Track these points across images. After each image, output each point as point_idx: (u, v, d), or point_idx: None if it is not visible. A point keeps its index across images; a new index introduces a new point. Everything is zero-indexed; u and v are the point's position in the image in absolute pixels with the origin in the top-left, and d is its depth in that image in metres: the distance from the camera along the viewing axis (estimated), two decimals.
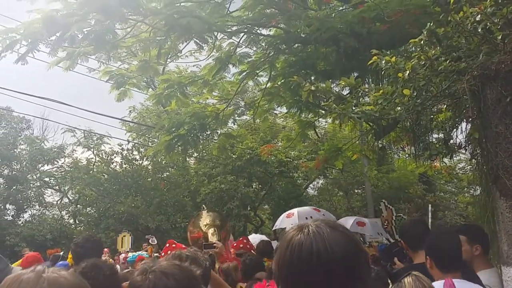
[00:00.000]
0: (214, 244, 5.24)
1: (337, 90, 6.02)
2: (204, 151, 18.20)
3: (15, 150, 23.66)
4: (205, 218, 6.10)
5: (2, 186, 22.83)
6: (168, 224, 18.66)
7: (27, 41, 6.35)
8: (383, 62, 4.10)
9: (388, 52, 4.57)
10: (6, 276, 2.89)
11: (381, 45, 5.06)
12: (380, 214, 18.67)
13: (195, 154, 19.00)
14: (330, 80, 6.81)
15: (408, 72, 3.94)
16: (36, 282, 1.21)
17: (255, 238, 8.63)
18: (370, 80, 7.77)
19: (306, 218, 8.62)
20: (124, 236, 14.89)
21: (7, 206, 23.08)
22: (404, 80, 3.98)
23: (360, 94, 5.74)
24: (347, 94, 6.17)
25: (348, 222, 9.22)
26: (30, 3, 6.23)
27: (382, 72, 4.49)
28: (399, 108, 4.30)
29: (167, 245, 4.87)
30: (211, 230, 5.70)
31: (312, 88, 4.33)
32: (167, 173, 21.28)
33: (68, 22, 5.91)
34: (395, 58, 4.12)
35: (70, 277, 1.28)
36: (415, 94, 4.19)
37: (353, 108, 4.11)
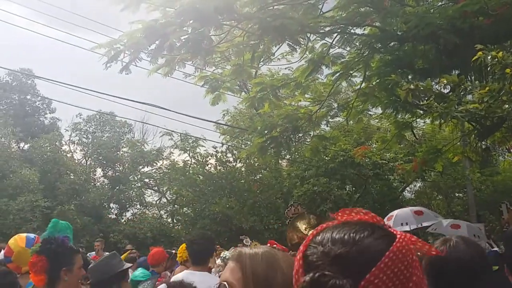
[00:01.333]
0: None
1: (437, 89, 5.72)
2: (296, 153, 18.20)
3: (118, 152, 25.27)
4: (302, 223, 6.08)
5: (106, 186, 24.46)
6: (262, 225, 18.88)
7: (129, 51, 6.75)
8: (489, 57, 3.84)
9: (493, 47, 4.28)
10: (119, 269, 3.11)
11: (485, 41, 4.75)
12: (482, 219, 17.60)
13: (288, 156, 19.06)
14: (430, 79, 6.50)
15: None
16: None
17: None
18: (473, 78, 7.33)
19: (402, 224, 8.25)
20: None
21: (111, 205, 24.73)
22: None
23: (463, 93, 5.42)
24: (448, 92, 5.85)
25: (442, 224, 8.69)
26: (132, 13, 6.61)
27: (488, 69, 4.21)
28: (506, 105, 4.00)
29: (268, 245, 4.95)
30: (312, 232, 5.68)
31: (412, 86, 4.16)
32: (260, 175, 21.54)
33: (166, 31, 6.19)
34: (502, 53, 3.84)
35: None
36: None
37: (456, 106, 3.87)
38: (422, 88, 4.15)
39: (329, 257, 0.90)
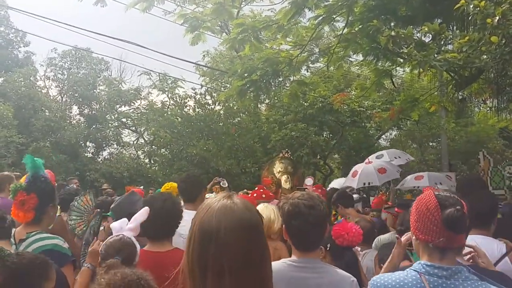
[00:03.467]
0: (306, 188, 5.40)
1: (418, 37, 5.69)
2: (275, 98, 18.16)
3: (95, 90, 24.83)
4: (278, 166, 6.23)
5: (82, 124, 24.20)
6: (238, 168, 19.07)
7: None
8: (471, 6, 3.81)
9: None
10: (140, 206, 3.18)
11: None
12: (454, 168, 18.07)
13: (267, 101, 19.03)
14: (412, 27, 6.44)
15: (497, 18, 3.64)
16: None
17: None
18: (455, 27, 7.29)
19: (364, 184, 8.39)
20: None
21: (88, 143, 24.59)
22: (492, 26, 3.68)
23: (443, 42, 5.40)
24: (429, 41, 5.82)
25: (407, 179, 8.89)
26: None
27: (469, 18, 4.18)
28: (485, 56, 4.01)
29: (256, 189, 5.20)
30: (284, 177, 5.84)
31: (392, 33, 4.12)
32: (239, 119, 21.54)
33: None
34: (484, 3, 3.81)
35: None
36: (503, 42, 3.88)
37: (435, 55, 3.87)
38: (403, 35, 4.12)
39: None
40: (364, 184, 8.32)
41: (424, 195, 2.07)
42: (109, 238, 2.85)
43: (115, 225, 2.92)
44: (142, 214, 2.95)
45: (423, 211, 2.01)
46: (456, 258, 2.05)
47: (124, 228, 2.86)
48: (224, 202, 1.42)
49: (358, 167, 8.55)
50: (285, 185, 5.72)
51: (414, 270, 2.02)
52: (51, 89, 25.86)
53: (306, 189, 5.39)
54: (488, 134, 19.08)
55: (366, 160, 8.86)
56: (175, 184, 4.68)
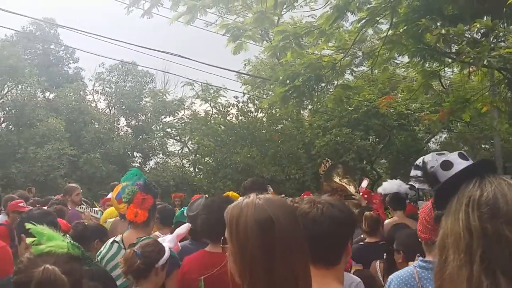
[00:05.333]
0: (353, 196, 5.30)
1: (469, 35, 5.44)
2: (318, 104, 17.97)
3: (140, 102, 25.46)
4: (336, 172, 6.10)
5: (130, 135, 24.80)
6: (283, 175, 18.97)
7: None
8: None
9: None
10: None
11: None
12: (509, 171, 17.29)
13: (310, 107, 18.87)
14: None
15: None
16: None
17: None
18: (505, 24, 6.97)
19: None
20: None
21: (135, 154, 25.19)
22: None
23: (495, 39, 5.15)
24: (480, 38, 5.56)
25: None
26: None
27: None
28: None
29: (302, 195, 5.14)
30: (345, 181, 5.72)
31: (443, 31, 3.93)
32: (282, 125, 21.45)
33: None
34: None
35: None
36: None
37: (489, 52, 3.66)
38: (453, 33, 3.93)
39: None
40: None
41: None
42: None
43: (160, 238, 3.10)
44: (182, 229, 3.13)
45: (425, 213, 2.38)
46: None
47: (165, 239, 3.04)
48: (263, 196, 1.62)
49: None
50: (350, 188, 5.63)
51: (413, 266, 2.45)
52: (100, 102, 26.71)
53: (353, 196, 5.25)
54: None
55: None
56: (236, 194, 4.67)
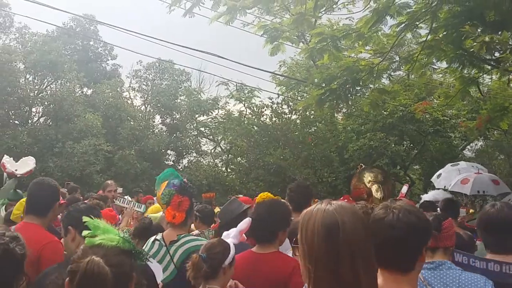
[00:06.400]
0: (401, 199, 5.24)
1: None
2: (353, 107, 17.89)
3: (176, 100, 25.79)
4: (368, 175, 6.05)
5: (164, 133, 25.15)
6: (315, 177, 18.93)
7: None
8: None
9: None
10: (241, 210, 3.46)
11: None
12: None
13: (344, 110, 18.78)
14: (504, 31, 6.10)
15: None
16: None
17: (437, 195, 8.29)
18: None
19: (478, 191, 7.93)
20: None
21: (169, 152, 25.51)
22: None
23: None
24: None
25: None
26: None
27: None
28: None
29: (341, 198, 5.10)
30: (375, 186, 5.66)
31: (486, 39, 3.91)
32: (315, 128, 21.41)
33: None
34: None
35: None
36: None
37: None
38: (497, 41, 3.90)
39: None
40: (478, 192, 7.94)
41: None
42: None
43: (224, 233, 3.19)
44: (244, 223, 3.18)
45: None
46: (445, 256, 2.62)
47: (229, 235, 3.11)
48: (335, 202, 1.71)
49: (468, 175, 8.15)
50: (376, 194, 5.54)
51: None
52: (136, 99, 27.23)
53: (401, 199, 5.18)
54: None
55: (475, 171, 8.48)
56: (270, 195, 4.76)
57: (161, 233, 3.65)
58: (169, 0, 7.43)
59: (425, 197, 8.64)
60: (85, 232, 1.91)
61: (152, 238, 3.64)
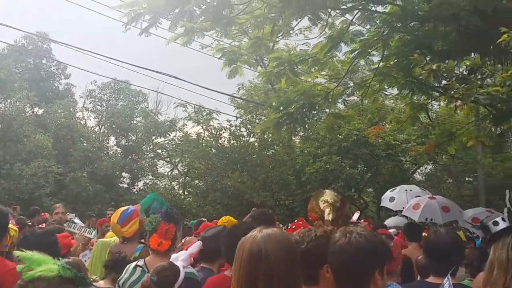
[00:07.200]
0: (359, 223, 5.30)
1: (458, 71, 5.69)
2: (310, 131, 18.22)
3: (132, 122, 25.39)
4: (324, 198, 6.08)
5: (119, 155, 24.67)
6: (273, 200, 19.02)
7: (149, 15, 6.78)
8: None
9: None
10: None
11: (507, 24, 4.69)
12: (491, 205, 17.53)
13: (301, 133, 19.08)
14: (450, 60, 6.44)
15: None
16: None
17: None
18: (492, 61, 7.26)
19: (426, 219, 8.02)
20: None
21: (123, 174, 25.00)
22: None
23: (483, 76, 5.38)
24: (468, 75, 5.81)
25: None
26: None
27: None
28: None
29: (296, 221, 5.08)
30: (327, 210, 5.70)
31: (434, 67, 4.14)
32: (273, 151, 21.59)
33: None
34: None
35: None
36: None
37: (477, 89, 3.87)
38: (444, 69, 4.14)
39: None
40: (426, 219, 7.89)
41: None
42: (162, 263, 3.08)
43: (173, 255, 3.17)
44: (195, 247, 3.21)
45: None
46: (392, 278, 2.92)
47: (178, 258, 3.09)
48: (265, 231, 1.89)
49: (420, 200, 8.17)
50: (328, 217, 5.59)
51: None
52: (90, 120, 26.58)
53: (358, 223, 5.26)
54: None
55: (430, 195, 8.57)
56: (232, 218, 4.75)
57: (143, 260, 3.59)
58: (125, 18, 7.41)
59: (387, 222, 8.78)
60: (19, 267, 1.85)
61: (133, 264, 3.58)
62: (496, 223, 2.58)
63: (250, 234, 1.89)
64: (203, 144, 21.97)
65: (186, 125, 25.19)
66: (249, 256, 1.81)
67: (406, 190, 9.15)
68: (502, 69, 4.44)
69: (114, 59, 12.61)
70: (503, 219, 2.62)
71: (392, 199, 9.28)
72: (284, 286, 1.78)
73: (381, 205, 10.75)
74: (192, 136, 23.39)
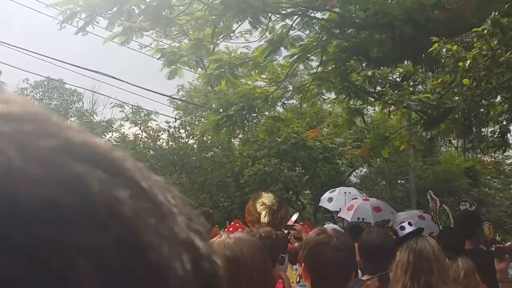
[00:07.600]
0: (294, 226, 5.35)
1: (392, 78, 5.94)
2: (249, 133, 18.32)
3: (66, 122, 24.49)
4: (261, 200, 6.09)
5: None
6: (211, 203, 18.93)
7: (86, 13, 6.58)
8: (444, 50, 4.02)
9: (447, 41, 4.48)
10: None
11: (438, 34, 4.96)
12: (422, 206, 18.38)
13: (240, 136, 19.14)
14: (385, 67, 6.71)
15: (469, 61, 3.85)
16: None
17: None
18: (424, 69, 7.63)
19: (358, 218, 8.36)
20: None
21: None
22: (464, 69, 3.90)
23: (415, 82, 5.64)
24: (401, 81, 6.08)
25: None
26: None
27: (442, 61, 4.40)
28: (457, 98, 4.22)
29: (232, 223, 5.07)
30: (264, 212, 5.73)
31: (369, 73, 4.29)
32: (212, 153, 21.49)
33: None
34: (456, 47, 4.04)
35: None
36: (474, 84, 4.10)
37: (409, 95, 4.05)
38: (378, 75, 4.31)
39: None
40: (358, 219, 8.24)
41: None
42: None
43: None
44: None
45: None
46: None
47: None
48: (234, 236, 1.89)
49: (355, 202, 8.51)
50: (263, 219, 5.64)
51: None
52: None
53: (294, 226, 5.34)
54: (454, 173, 19.57)
55: (364, 197, 8.91)
56: None
57: None
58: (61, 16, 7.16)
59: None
60: None
61: None
62: (403, 228, 2.78)
63: (218, 240, 1.83)
64: (141, 146, 21.53)
65: (123, 126, 24.53)
66: (226, 263, 1.72)
67: (345, 193, 9.41)
68: (432, 76, 4.68)
69: (48, 57, 12.22)
70: (409, 223, 2.83)
71: (330, 199, 9.53)
72: (266, 284, 1.83)
73: (319, 205, 11.01)
74: (129, 138, 22.84)
